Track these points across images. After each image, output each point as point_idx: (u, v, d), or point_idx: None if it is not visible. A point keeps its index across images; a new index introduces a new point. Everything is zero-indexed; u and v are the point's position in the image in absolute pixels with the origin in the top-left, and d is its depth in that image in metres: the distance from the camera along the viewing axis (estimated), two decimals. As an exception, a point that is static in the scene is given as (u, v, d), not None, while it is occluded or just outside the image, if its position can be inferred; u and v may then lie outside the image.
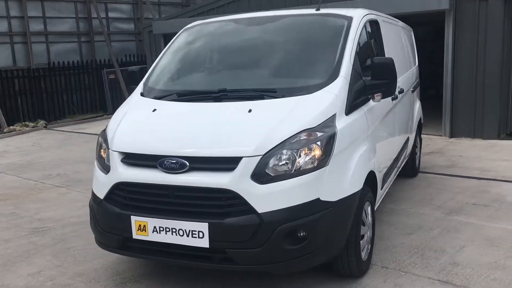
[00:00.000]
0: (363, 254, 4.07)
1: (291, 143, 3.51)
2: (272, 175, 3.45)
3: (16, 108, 14.61)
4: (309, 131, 3.58)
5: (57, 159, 9.65)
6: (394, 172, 5.51)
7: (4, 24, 15.47)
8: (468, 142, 9.64)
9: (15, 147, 11.24)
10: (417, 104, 7.14)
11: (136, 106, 4.32)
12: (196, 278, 4.22)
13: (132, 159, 3.77)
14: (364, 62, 4.40)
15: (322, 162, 3.54)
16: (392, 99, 4.97)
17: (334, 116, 3.75)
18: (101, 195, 3.88)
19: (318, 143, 3.55)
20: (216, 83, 4.38)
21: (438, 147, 9.23)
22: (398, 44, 6.09)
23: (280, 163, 3.47)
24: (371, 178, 4.18)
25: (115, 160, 3.82)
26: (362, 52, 4.45)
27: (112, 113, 15.87)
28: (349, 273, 4.01)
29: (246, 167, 3.43)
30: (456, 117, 10.00)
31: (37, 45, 16.24)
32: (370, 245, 4.28)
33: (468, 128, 9.89)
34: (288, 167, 3.48)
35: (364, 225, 4.05)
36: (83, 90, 16.34)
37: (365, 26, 4.61)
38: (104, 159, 4.04)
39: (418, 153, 7.35)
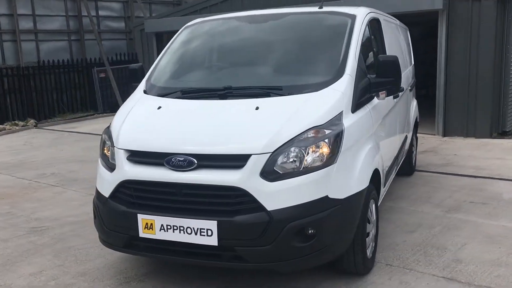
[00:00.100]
0: (368, 252, 4.09)
1: (299, 141, 3.50)
2: (280, 172, 3.45)
3: (5, 107, 14.43)
4: (317, 128, 3.58)
5: (49, 158, 9.55)
6: (394, 170, 5.54)
7: (-7, 22, 15.33)
8: (461, 140, 9.73)
9: (5, 146, 11.11)
10: (414, 103, 7.19)
11: (140, 103, 4.28)
12: (199, 276, 4.20)
13: (138, 156, 3.74)
14: (368, 60, 4.41)
15: (330, 159, 3.54)
16: (394, 98, 4.99)
17: (341, 113, 3.75)
18: (106, 193, 3.84)
19: (326, 140, 3.55)
20: (221, 80, 4.36)
21: (432, 146, 9.30)
22: (397, 43, 6.12)
23: (288, 161, 3.47)
24: (375, 175, 4.19)
25: (121, 158, 3.78)
26: (366, 50, 4.46)
27: (103, 112, 15.72)
28: (355, 271, 4.02)
29: (255, 164, 3.42)
30: (449, 116, 10.08)
31: (26, 43, 16.08)
32: (374, 243, 4.29)
33: (461, 127, 9.99)
34: (297, 165, 3.47)
35: (369, 223, 4.06)
36: (73, 89, 16.19)
37: (368, 24, 4.63)
38: (108, 157, 4.01)
39: (414, 152, 7.39)
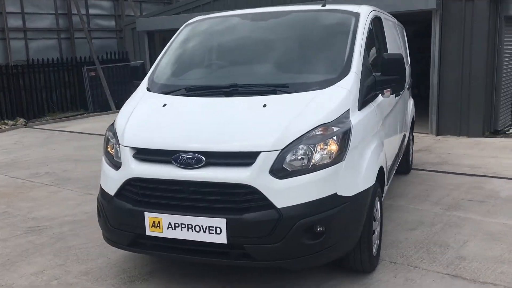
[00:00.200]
0: (374, 249, 4.09)
1: (307, 138, 3.49)
2: (289, 170, 3.43)
3: (-6, 106, 14.26)
4: (325, 126, 3.57)
5: (42, 157, 9.43)
6: (395, 168, 5.56)
7: (-19, 19, 15.12)
8: (454, 139, 9.80)
9: (-4, 145, 10.96)
10: (411, 102, 7.23)
11: (144, 101, 4.24)
12: (204, 274, 4.17)
13: (144, 154, 3.70)
14: (372, 58, 4.42)
15: (338, 157, 3.53)
16: (395, 96, 5.00)
17: (348, 111, 3.75)
18: (112, 191, 3.79)
19: (334, 138, 3.55)
20: (225, 78, 4.33)
21: (426, 145, 9.36)
22: (396, 41, 6.15)
23: (297, 158, 3.46)
24: (380, 173, 4.20)
25: (127, 156, 3.74)
26: (370, 48, 4.47)
27: (93, 111, 15.57)
28: (361, 269, 4.02)
29: (265, 162, 3.40)
30: (443, 116, 10.16)
31: (15, 42, 15.88)
32: (379, 240, 4.30)
33: (454, 126, 10.07)
34: (305, 162, 3.46)
35: (374, 220, 4.07)
36: (63, 87, 16.00)
37: (371, 22, 4.63)
38: (113, 155, 3.96)
39: (411, 150, 7.43)
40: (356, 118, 3.80)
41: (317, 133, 3.53)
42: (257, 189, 3.37)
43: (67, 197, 6.68)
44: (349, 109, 3.76)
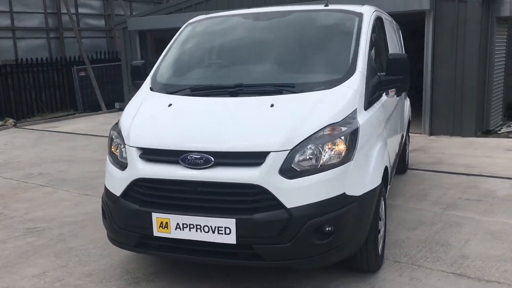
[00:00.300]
0: (379, 248, 4.10)
1: (316, 138, 3.49)
2: (298, 170, 3.43)
3: (-18, 106, 14.09)
4: (333, 126, 3.57)
5: (35, 158, 9.33)
6: (395, 167, 5.59)
7: (-31, 18, 14.92)
8: (447, 139, 9.88)
9: (-14, 146, 10.82)
10: (407, 102, 7.26)
11: (148, 100, 4.20)
12: (210, 274, 4.15)
13: (151, 154, 3.67)
14: (376, 58, 4.43)
15: (346, 157, 3.53)
16: (397, 96, 5.02)
17: (355, 111, 3.75)
18: (117, 192, 3.75)
19: (342, 137, 3.55)
20: (230, 77, 4.32)
21: (420, 145, 9.42)
22: (394, 41, 6.17)
23: (306, 158, 3.45)
24: (384, 173, 4.21)
25: (133, 156, 3.70)
26: (374, 48, 4.47)
27: (83, 111, 15.47)
28: (367, 268, 4.03)
29: (274, 162, 3.39)
30: (436, 116, 10.23)
31: (4, 41, 15.70)
32: (383, 240, 4.31)
33: (447, 126, 10.15)
34: (314, 162, 3.46)
35: (380, 220, 4.08)
36: (53, 87, 15.86)
37: (374, 22, 4.64)
38: (117, 155, 3.92)
39: (407, 150, 7.47)
40: (363, 118, 3.80)
41: (325, 133, 3.53)
42: (266, 189, 3.36)
43: (63, 198, 6.61)
44: (356, 109, 3.77)
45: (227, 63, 4.60)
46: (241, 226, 3.36)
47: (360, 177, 3.66)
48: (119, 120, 4.17)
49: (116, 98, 16.17)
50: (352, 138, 3.60)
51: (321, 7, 4.78)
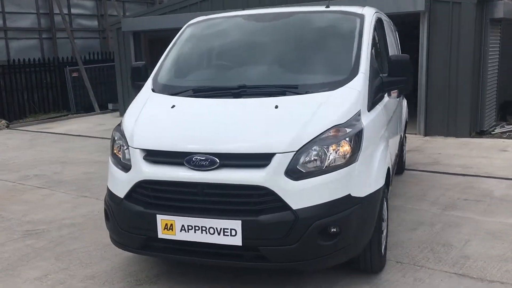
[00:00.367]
0: (382, 249, 4.11)
1: (321, 139, 3.50)
2: (303, 171, 3.43)
3: (-26, 107, 13.96)
4: (338, 127, 3.59)
5: (30, 159, 9.26)
6: (395, 168, 5.61)
7: (-40, 18, 14.78)
8: (443, 140, 9.93)
9: (-21, 147, 10.72)
10: (404, 103, 7.29)
11: (151, 102, 4.18)
12: (212, 276, 4.14)
13: (156, 156, 3.66)
14: (376, 59, 4.45)
15: (351, 158, 3.54)
16: (397, 97, 5.05)
17: (359, 112, 3.77)
18: (121, 194, 3.74)
19: (347, 139, 3.56)
20: (233, 79, 4.31)
21: (415, 145, 9.46)
22: (393, 42, 6.21)
23: (311, 159, 3.46)
24: (387, 173, 4.23)
25: (137, 158, 3.69)
26: (375, 49, 4.49)
27: (76, 112, 15.37)
28: (370, 269, 4.04)
29: (280, 163, 3.39)
30: (431, 117, 10.28)
31: (-4, 41, 15.59)
32: (385, 240, 4.33)
33: (442, 127, 10.19)
34: (319, 163, 3.47)
35: (383, 221, 4.09)
36: (45, 88, 15.75)
37: (375, 23, 4.66)
38: (120, 157, 3.90)
39: (404, 151, 7.51)
40: (367, 119, 3.82)
41: (330, 134, 3.54)
42: (272, 190, 3.36)
43: (61, 200, 6.57)
44: (360, 110, 3.78)
45: (230, 65, 4.59)
46: (247, 227, 3.36)
47: (365, 178, 3.67)
48: (121, 121, 4.15)
49: (109, 99, 16.10)
50: (356, 140, 3.61)
51: (322, 8, 4.79)
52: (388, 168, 4.25)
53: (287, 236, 3.36)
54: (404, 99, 7.44)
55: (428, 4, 9.85)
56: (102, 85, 16.43)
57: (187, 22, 5.15)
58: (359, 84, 3.92)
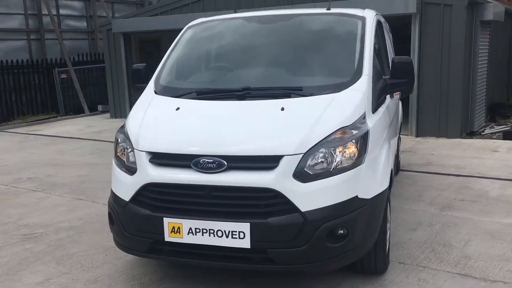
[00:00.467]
0: (386, 250, 4.14)
1: (328, 141, 3.51)
2: (311, 173, 3.44)
3: (-39, 109, 13.74)
4: (345, 129, 3.60)
5: (21, 162, 9.15)
6: (394, 169, 5.64)
7: None
8: (434, 141, 10.02)
9: (-32, 150, 10.57)
10: (400, 105, 7.34)
11: (154, 104, 4.16)
12: (217, 278, 4.13)
13: (162, 159, 3.63)
14: (379, 61, 4.48)
15: (358, 160, 3.56)
16: (399, 98, 5.08)
17: (364, 114, 3.79)
18: (126, 197, 3.71)
19: (354, 141, 3.57)
20: (236, 81, 4.31)
21: (408, 146, 9.52)
22: (389, 44, 6.25)
23: (319, 162, 3.47)
24: (390, 175, 4.26)
25: (143, 161, 3.66)
26: (377, 51, 4.52)
27: (65, 114, 15.19)
28: (374, 270, 4.06)
29: (288, 165, 3.39)
30: (422, 118, 10.36)
31: (-17, 43, 15.38)
32: (388, 241, 4.35)
33: (433, 128, 10.28)
34: (326, 165, 3.47)
35: (387, 222, 4.12)
36: (33, 90, 15.54)
37: (376, 25, 4.69)
38: (124, 160, 3.87)
39: (399, 152, 7.55)
40: (372, 121, 3.84)
41: (337, 137, 3.55)
42: (281, 193, 3.36)
43: (57, 203, 6.50)
44: (365, 112, 3.81)
45: (233, 66, 4.58)
46: (255, 230, 3.36)
47: (371, 179, 3.69)
48: (124, 123, 4.12)
49: (99, 101, 15.98)
50: (362, 142, 3.62)
51: (323, 10, 4.80)
52: (391, 170, 4.28)
53: (296, 238, 3.36)
54: (399, 100, 7.50)
55: (420, 6, 9.94)
56: (92, 86, 16.30)
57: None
58: (363, 86, 3.95)
